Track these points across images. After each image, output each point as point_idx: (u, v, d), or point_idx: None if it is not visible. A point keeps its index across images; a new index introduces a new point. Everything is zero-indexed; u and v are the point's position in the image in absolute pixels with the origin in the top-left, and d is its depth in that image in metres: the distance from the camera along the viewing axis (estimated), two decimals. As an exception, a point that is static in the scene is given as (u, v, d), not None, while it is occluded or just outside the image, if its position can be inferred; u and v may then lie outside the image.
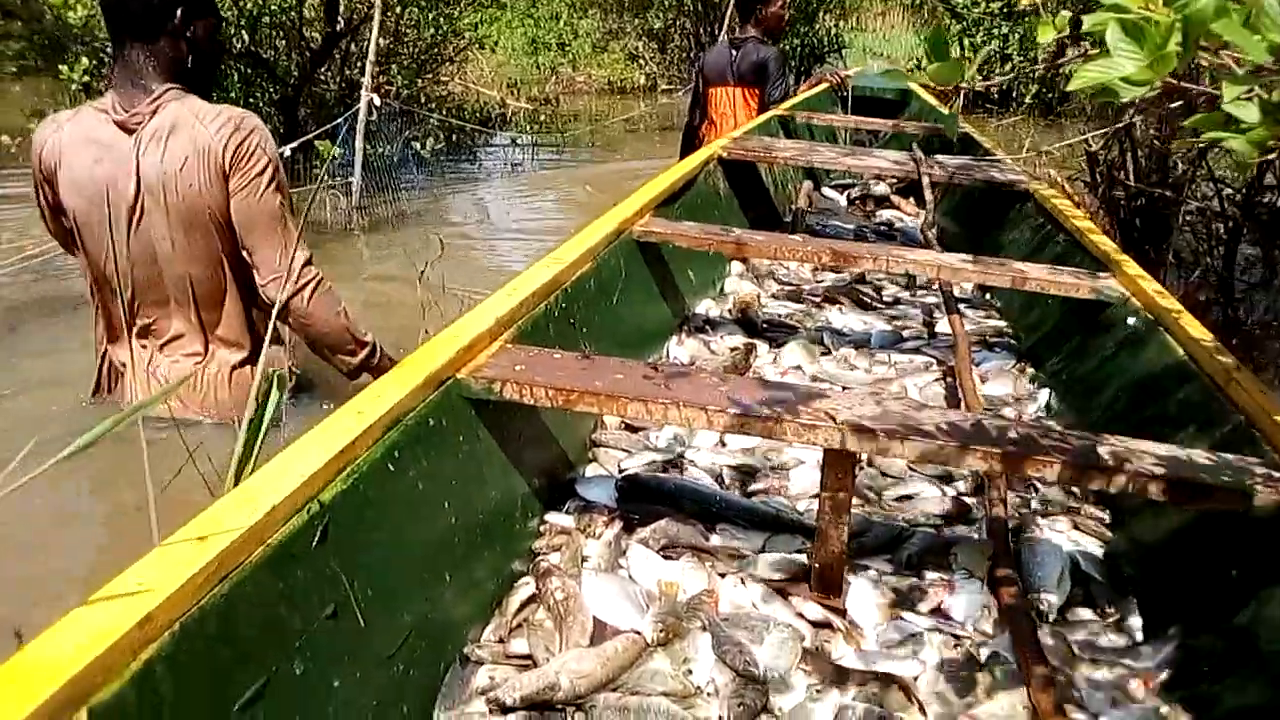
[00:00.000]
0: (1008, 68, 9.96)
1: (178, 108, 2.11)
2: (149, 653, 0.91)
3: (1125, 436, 1.53)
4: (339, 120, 5.84)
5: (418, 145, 7.17)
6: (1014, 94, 10.46)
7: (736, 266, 3.45)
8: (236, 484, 0.95)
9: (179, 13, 2.09)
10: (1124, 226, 4.29)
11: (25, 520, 1.89)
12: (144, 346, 2.26)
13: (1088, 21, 0.89)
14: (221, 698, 0.99)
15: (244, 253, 2.18)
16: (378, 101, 5.87)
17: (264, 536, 1.09)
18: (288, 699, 1.07)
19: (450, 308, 3.17)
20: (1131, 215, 4.35)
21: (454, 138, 8.16)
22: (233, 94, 6.44)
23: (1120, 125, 4.06)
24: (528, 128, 9.73)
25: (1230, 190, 4.05)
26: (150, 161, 2.09)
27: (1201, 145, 2.77)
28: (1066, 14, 1.14)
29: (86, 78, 5.53)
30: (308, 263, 2.22)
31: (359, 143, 5.81)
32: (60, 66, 5.65)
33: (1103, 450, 1.46)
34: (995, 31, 10.33)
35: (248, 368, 2.27)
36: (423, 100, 7.85)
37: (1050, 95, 10.18)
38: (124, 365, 2.27)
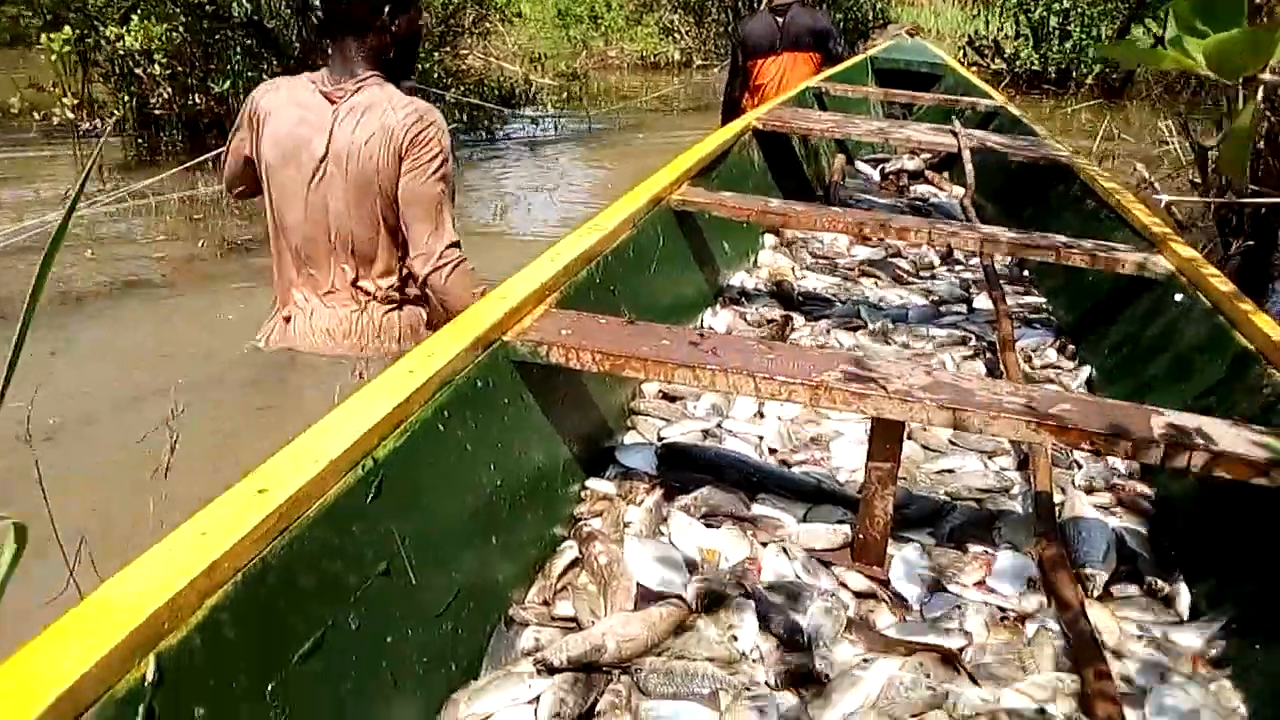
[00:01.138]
0: (1068, 45, 9.33)
1: (376, 91, 2.39)
2: (214, 600, 0.91)
3: (1173, 412, 1.51)
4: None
5: None
6: (1073, 74, 9.62)
7: (770, 239, 3.42)
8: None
9: (386, 10, 2.37)
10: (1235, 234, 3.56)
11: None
12: (306, 299, 2.52)
13: None
14: (282, 648, 0.99)
15: (402, 225, 2.43)
16: None
17: (321, 491, 1.09)
18: (344, 652, 1.07)
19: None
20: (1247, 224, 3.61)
21: (470, 115, 7.73)
22: (233, 67, 6.19)
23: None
24: (551, 105, 9.24)
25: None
26: (343, 131, 2.36)
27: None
28: None
29: (67, 47, 5.44)
30: (454, 245, 2.45)
31: None
32: (43, 35, 5.52)
33: (1151, 424, 1.44)
34: (1055, 5, 9.63)
35: (394, 314, 2.54)
36: (438, 75, 7.33)
37: (1114, 76, 9.36)
38: (290, 315, 2.53)
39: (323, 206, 2.43)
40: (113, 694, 0.80)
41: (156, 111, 6.49)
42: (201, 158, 4.95)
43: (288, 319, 2.54)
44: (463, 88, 7.96)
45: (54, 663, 0.78)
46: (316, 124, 2.39)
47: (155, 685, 0.83)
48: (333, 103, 2.40)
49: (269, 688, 0.96)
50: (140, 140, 6.46)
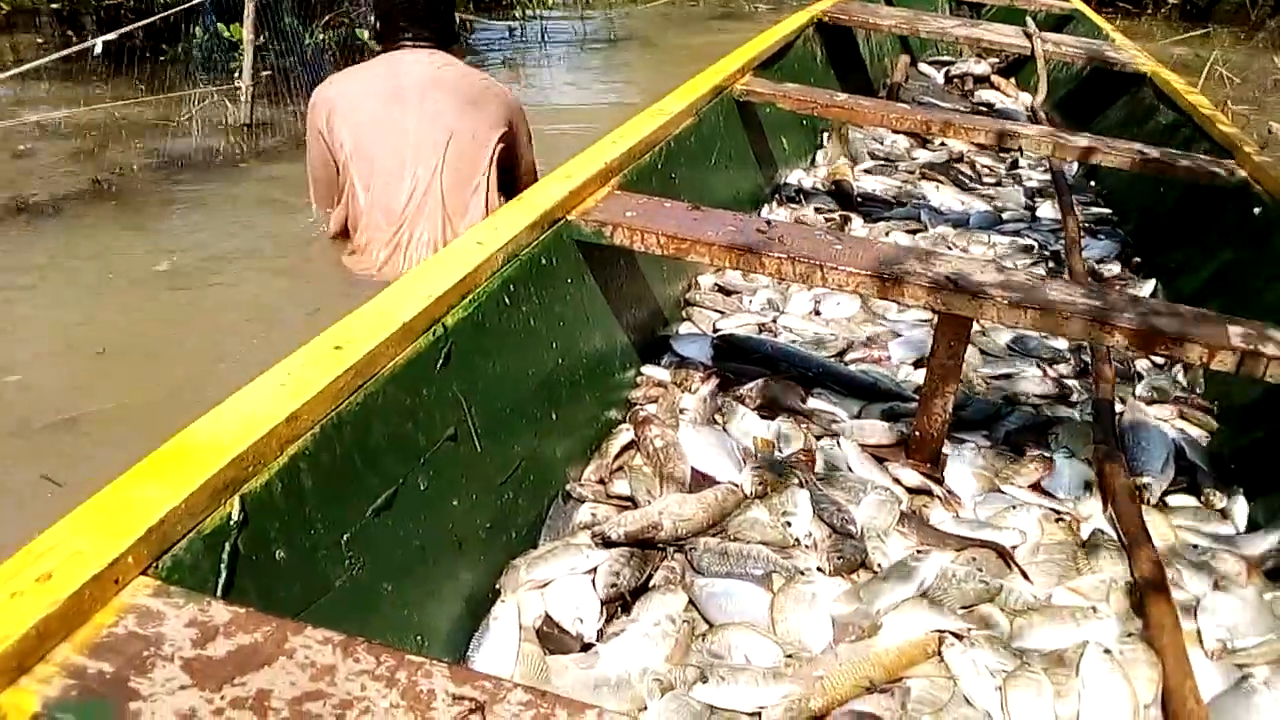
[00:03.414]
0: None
1: (461, 67, 2.39)
2: (294, 449, 0.93)
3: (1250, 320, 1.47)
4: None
5: (363, 32, 5.12)
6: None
7: (829, 137, 3.34)
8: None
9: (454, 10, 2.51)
10: None
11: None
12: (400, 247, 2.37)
13: None
14: (357, 500, 1.01)
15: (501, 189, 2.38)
16: None
17: (394, 353, 1.09)
18: (414, 510, 1.09)
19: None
20: None
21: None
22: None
23: None
24: (535, 6, 7.39)
25: None
26: (435, 109, 2.27)
27: None
28: None
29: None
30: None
31: (248, 29, 4.15)
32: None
33: (1228, 332, 1.40)
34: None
35: None
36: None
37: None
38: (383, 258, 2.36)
39: (425, 179, 2.35)
40: (200, 530, 0.82)
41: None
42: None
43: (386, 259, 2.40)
44: None
45: (146, 496, 0.80)
46: (407, 105, 2.36)
47: (240, 525, 0.85)
48: (419, 86, 2.38)
49: (344, 537, 0.98)
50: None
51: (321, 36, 5.18)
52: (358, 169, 2.26)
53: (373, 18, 2.42)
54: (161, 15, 4.55)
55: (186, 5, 4.56)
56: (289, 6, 4.82)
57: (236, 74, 4.23)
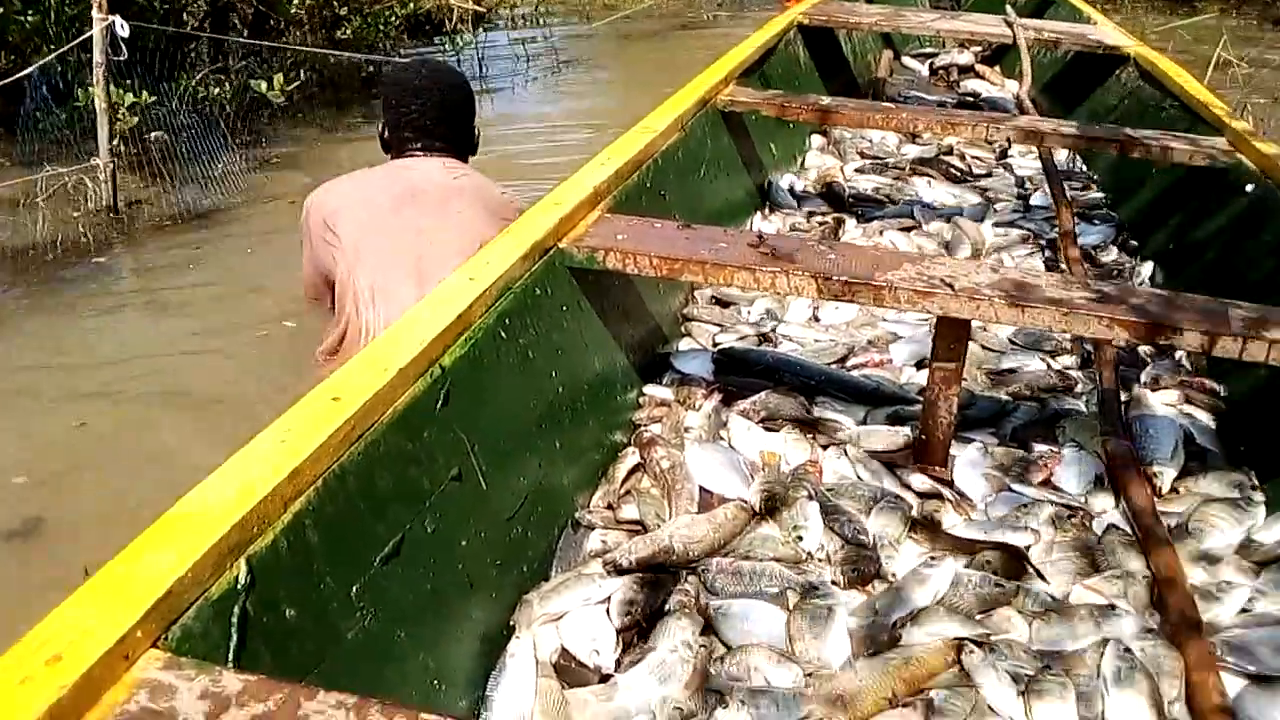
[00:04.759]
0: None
1: (479, 177, 2.08)
2: (298, 506, 0.93)
3: (1248, 304, 1.46)
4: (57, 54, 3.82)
5: (260, 84, 4.59)
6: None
7: (817, 139, 3.34)
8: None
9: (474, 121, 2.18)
10: None
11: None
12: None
13: None
14: (363, 550, 1.01)
15: None
16: (124, 29, 3.58)
17: (393, 398, 1.09)
18: (422, 554, 1.09)
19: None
20: None
21: (341, 64, 5.48)
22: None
23: None
24: (472, 38, 6.55)
25: None
26: (462, 218, 1.95)
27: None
28: None
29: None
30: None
31: (99, 95, 3.58)
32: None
33: (1228, 316, 1.40)
34: None
35: None
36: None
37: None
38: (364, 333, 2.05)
39: (424, 276, 1.99)
40: (208, 596, 0.82)
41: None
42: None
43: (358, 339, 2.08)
44: (365, 12, 5.96)
45: (151, 567, 0.79)
46: (422, 205, 2.06)
47: (248, 588, 0.85)
48: (435, 185, 2.11)
49: (354, 589, 0.98)
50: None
51: (217, 91, 4.66)
52: (359, 277, 1.89)
53: (380, 127, 2.14)
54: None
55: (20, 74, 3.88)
56: (150, 63, 4.16)
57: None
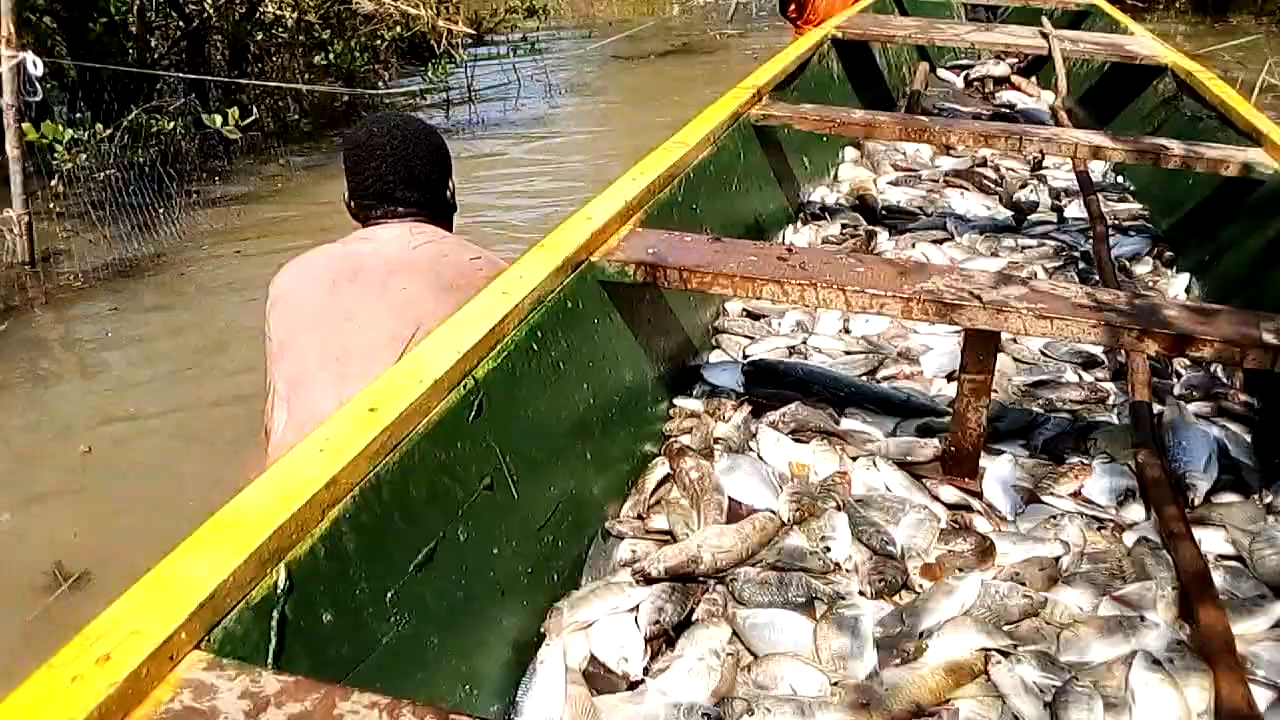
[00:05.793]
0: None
1: (446, 243, 1.86)
2: (335, 513, 0.96)
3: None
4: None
5: (214, 119, 4.22)
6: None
7: (850, 152, 3.35)
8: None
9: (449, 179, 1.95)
10: None
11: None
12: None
13: None
14: (398, 557, 1.04)
15: None
16: (37, 68, 3.22)
17: (427, 409, 1.12)
18: (455, 562, 1.12)
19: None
20: None
21: (312, 98, 5.18)
22: None
23: None
24: (445, 72, 6.04)
25: None
26: (402, 298, 1.73)
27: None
28: None
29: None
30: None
31: (11, 138, 3.24)
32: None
33: (1260, 329, 1.39)
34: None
35: None
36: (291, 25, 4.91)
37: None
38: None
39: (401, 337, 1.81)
40: (249, 600, 0.85)
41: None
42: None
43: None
44: (350, 37, 5.60)
45: (195, 572, 0.83)
46: (396, 273, 1.84)
47: (287, 592, 0.88)
48: (410, 252, 1.91)
49: (388, 595, 1.01)
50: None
51: (172, 126, 4.34)
52: (282, 374, 1.70)
53: (344, 194, 1.90)
54: None
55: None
56: (108, 100, 3.86)
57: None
